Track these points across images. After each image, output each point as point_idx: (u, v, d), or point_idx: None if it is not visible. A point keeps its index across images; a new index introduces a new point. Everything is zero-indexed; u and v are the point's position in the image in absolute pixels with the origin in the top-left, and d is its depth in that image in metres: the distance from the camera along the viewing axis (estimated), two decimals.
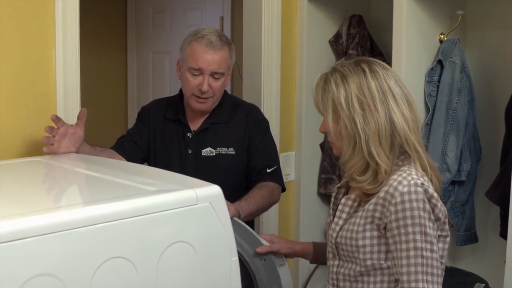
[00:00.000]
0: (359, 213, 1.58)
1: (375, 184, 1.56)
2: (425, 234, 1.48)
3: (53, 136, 1.92)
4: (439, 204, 1.53)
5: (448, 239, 1.59)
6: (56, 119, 1.94)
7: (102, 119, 4.09)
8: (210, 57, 2.11)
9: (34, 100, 2.06)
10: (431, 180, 1.58)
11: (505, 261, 2.12)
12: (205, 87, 2.11)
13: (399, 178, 1.52)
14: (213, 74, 2.12)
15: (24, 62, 2.03)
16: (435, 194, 1.53)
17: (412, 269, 1.48)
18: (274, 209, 2.84)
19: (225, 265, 1.41)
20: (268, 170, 2.19)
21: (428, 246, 1.48)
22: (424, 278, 1.47)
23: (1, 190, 1.44)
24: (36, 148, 1.97)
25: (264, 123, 2.28)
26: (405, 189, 1.50)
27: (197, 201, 1.35)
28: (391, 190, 1.52)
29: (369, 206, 1.56)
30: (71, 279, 1.14)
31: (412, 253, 1.48)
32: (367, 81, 1.56)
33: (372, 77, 1.57)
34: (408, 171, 1.54)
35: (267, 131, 2.28)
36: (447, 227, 1.57)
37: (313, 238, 2.92)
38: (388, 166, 1.55)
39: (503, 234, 2.28)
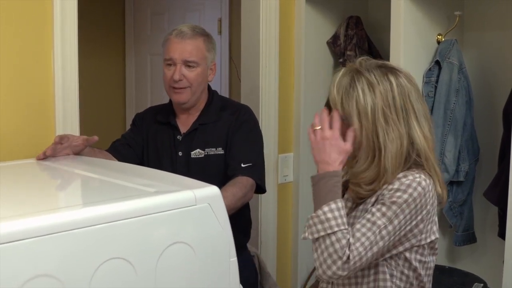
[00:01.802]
0: (360, 207, 1.59)
1: (370, 187, 1.57)
2: (390, 222, 1.47)
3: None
4: (432, 210, 1.54)
5: (434, 257, 1.61)
6: (60, 139, 1.90)
7: (100, 121, 4.08)
8: (180, 46, 2.11)
9: (32, 102, 2.07)
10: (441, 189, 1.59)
11: (503, 261, 2.13)
12: (176, 76, 2.10)
13: (406, 174, 1.53)
14: (186, 63, 2.12)
15: (22, 64, 2.03)
16: (434, 202, 1.55)
17: (358, 234, 1.47)
18: (272, 210, 2.84)
19: (224, 265, 1.41)
20: (243, 165, 2.10)
21: (384, 232, 1.47)
22: (363, 243, 1.45)
23: (0, 191, 1.44)
24: (35, 150, 1.96)
25: (250, 123, 2.22)
26: (407, 182, 1.51)
27: (196, 202, 1.36)
28: (394, 180, 1.52)
29: (372, 198, 1.56)
30: (70, 280, 1.14)
31: (368, 224, 1.47)
32: (393, 95, 1.53)
33: (398, 92, 1.54)
34: (417, 174, 1.54)
35: (252, 131, 2.22)
36: (426, 235, 1.57)
37: None
38: (390, 178, 1.54)
39: (502, 234, 2.29)
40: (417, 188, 1.50)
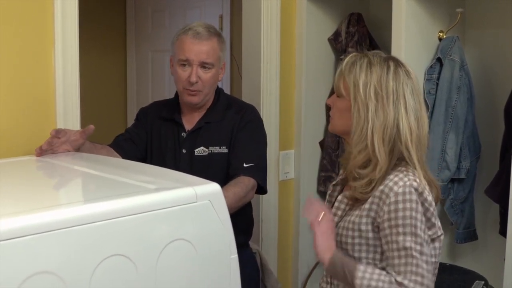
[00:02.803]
0: (356, 212, 1.59)
1: (368, 188, 1.57)
2: (415, 235, 1.50)
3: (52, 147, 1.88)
4: (432, 208, 1.55)
5: (438, 243, 1.60)
6: (57, 133, 1.89)
7: (101, 118, 4.07)
8: (197, 48, 2.10)
9: (34, 100, 2.06)
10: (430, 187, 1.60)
11: (504, 259, 2.13)
12: (193, 78, 2.09)
13: (395, 179, 1.54)
14: (202, 65, 2.11)
15: (23, 61, 2.03)
16: (429, 198, 1.55)
17: (402, 268, 1.50)
18: (273, 207, 2.84)
19: (224, 262, 1.41)
20: (245, 165, 2.10)
21: (418, 247, 1.49)
22: (413, 278, 1.48)
23: (1, 188, 1.44)
24: (36, 147, 1.96)
25: (255, 122, 2.23)
26: (400, 190, 1.51)
27: (197, 199, 1.36)
28: (386, 190, 1.53)
29: (366, 205, 1.57)
30: (71, 277, 1.14)
31: (402, 253, 1.50)
32: (387, 78, 1.58)
33: (393, 77, 1.59)
34: (405, 172, 1.55)
35: (256, 130, 2.23)
36: (436, 229, 1.58)
37: (312, 236, 2.92)
38: (384, 164, 1.56)
39: (503, 232, 2.29)
40: (412, 190, 1.52)
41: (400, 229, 1.50)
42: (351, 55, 1.67)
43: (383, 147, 1.56)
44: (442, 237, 1.60)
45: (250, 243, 2.34)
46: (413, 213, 1.50)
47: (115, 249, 1.21)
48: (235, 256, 1.43)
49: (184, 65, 2.12)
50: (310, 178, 2.95)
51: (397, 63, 1.62)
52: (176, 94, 2.26)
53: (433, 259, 1.59)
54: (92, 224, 1.18)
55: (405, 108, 1.58)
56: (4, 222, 1.08)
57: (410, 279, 1.48)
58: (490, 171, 2.50)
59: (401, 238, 1.50)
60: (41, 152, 1.87)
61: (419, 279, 1.48)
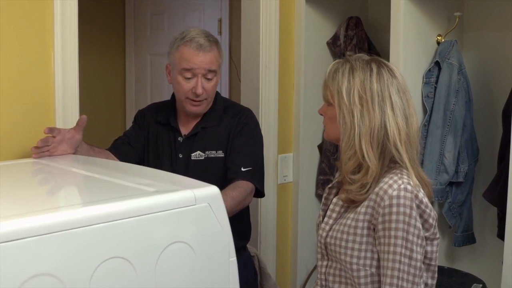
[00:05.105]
0: (351, 215, 1.59)
1: (363, 190, 1.57)
2: (406, 240, 1.50)
3: (48, 145, 1.89)
4: (428, 209, 1.55)
5: (436, 241, 1.59)
6: (50, 130, 1.90)
7: (100, 121, 4.09)
8: (202, 59, 2.10)
9: (33, 102, 2.07)
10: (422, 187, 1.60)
11: (502, 262, 2.13)
12: (199, 90, 2.10)
13: (390, 182, 1.54)
14: (206, 75, 2.11)
15: (23, 64, 2.03)
16: (425, 200, 1.55)
17: (389, 272, 1.51)
18: (272, 211, 2.84)
19: (223, 265, 1.41)
20: (243, 169, 2.11)
21: (407, 252, 1.50)
22: (399, 283, 1.49)
23: (0, 190, 1.44)
24: (32, 146, 1.96)
25: (251, 126, 2.22)
26: (395, 193, 1.51)
27: (195, 202, 1.36)
28: (381, 192, 1.53)
29: (361, 208, 1.57)
30: (70, 279, 1.14)
31: (391, 256, 1.51)
32: (370, 81, 1.58)
33: (376, 79, 1.58)
34: (399, 174, 1.55)
35: (253, 134, 2.22)
36: (436, 230, 1.58)
37: (311, 240, 2.93)
38: (375, 168, 1.56)
39: (501, 235, 2.29)
40: (406, 195, 1.51)
41: (392, 233, 1.50)
42: (333, 62, 1.67)
43: (372, 152, 1.56)
44: (436, 242, 1.60)
45: (249, 246, 2.34)
46: (406, 218, 1.50)
47: (114, 251, 1.21)
48: (234, 258, 1.43)
49: (188, 78, 2.11)
50: (309, 182, 2.96)
51: (380, 64, 1.62)
52: (173, 97, 2.26)
53: (433, 262, 1.59)
54: (91, 226, 1.18)
55: (392, 108, 1.57)
56: (3, 224, 1.09)
57: (397, 284, 1.49)
58: (488, 174, 2.51)
59: (392, 241, 1.50)
60: (37, 150, 1.87)
61: (404, 284, 1.49)
